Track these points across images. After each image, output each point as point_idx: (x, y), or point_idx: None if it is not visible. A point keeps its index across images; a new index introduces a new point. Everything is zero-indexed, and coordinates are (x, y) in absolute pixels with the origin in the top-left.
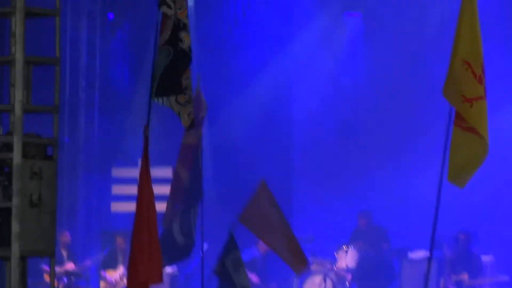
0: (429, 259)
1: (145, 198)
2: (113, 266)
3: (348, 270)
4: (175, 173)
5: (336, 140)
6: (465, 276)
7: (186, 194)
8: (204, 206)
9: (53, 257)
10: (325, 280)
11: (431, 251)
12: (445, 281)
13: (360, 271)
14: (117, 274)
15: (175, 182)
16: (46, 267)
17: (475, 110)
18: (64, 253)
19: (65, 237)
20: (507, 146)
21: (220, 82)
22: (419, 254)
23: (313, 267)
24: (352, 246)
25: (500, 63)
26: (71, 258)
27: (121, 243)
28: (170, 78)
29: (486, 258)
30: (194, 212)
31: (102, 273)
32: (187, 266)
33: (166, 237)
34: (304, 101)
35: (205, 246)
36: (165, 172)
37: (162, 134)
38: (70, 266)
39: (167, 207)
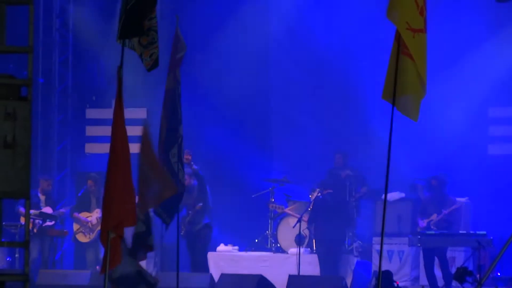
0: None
1: (118, 139)
2: (87, 208)
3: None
4: (161, 119)
5: (311, 80)
6: (433, 217)
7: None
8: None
9: (27, 199)
10: (299, 222)
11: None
12: (416, 222)
13: (322, 213)
14: (93, 216)
15: (160, 131)
16: (21, 209)
17: (417, 41)
18: (42, 198)
19: (45, 184)
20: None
21: (198, 24)
22: (393, 195)
23: (288, 209)
24: (324, 188)
25: None
26: (49, 203)
27: (92, 185)
28: (134, 19)
29: (461, 200)
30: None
31: (76, 214)
32: None
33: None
34: (281, 38)
35: None
36: (139, 113)
37: (137, 75)
38: (47, 209)
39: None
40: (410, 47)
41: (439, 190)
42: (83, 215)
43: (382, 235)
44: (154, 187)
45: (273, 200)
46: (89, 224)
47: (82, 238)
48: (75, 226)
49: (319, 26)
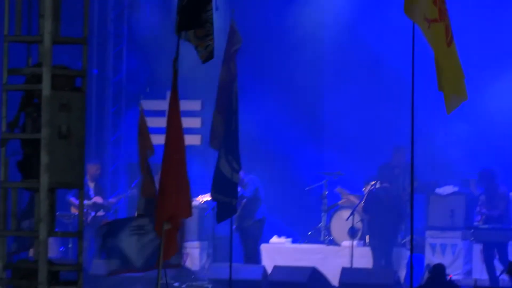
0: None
1: (173, 131)
2: None
3: None
4: (214, 114)
5: (365, 74)
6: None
7: (221, 139)
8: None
9: (81, 189)
10: (352, 215)
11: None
12: (471, 216)
13: (375, 206)
14: None
15: (213, 123)
16: (73, 200)
17: (432, 31)
18: (91, 185)
19: (93, 169)
20: None
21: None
22: (447, 189)
23: (342, 202)
24: (379, 182)
25: None
26: (98, 191)
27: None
28: (191, 12)
29: None
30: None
31: None
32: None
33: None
34: (336, 34)
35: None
36: (194, 105)
37: (192, 66)
38: (97, 199)
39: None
40: (426, 37)
41: (490, 184)
42: None
43: None
44: None
45: (326, 192)
46: None
47: None
48: None
49: (373, 23)
